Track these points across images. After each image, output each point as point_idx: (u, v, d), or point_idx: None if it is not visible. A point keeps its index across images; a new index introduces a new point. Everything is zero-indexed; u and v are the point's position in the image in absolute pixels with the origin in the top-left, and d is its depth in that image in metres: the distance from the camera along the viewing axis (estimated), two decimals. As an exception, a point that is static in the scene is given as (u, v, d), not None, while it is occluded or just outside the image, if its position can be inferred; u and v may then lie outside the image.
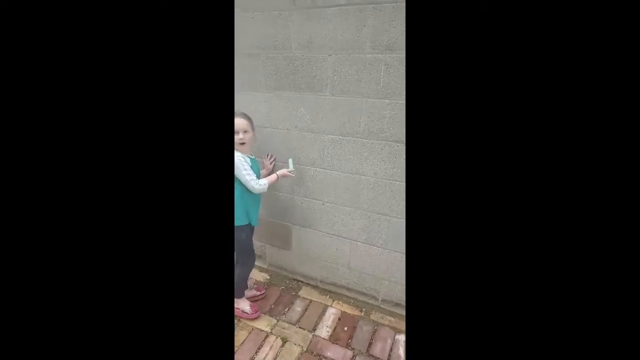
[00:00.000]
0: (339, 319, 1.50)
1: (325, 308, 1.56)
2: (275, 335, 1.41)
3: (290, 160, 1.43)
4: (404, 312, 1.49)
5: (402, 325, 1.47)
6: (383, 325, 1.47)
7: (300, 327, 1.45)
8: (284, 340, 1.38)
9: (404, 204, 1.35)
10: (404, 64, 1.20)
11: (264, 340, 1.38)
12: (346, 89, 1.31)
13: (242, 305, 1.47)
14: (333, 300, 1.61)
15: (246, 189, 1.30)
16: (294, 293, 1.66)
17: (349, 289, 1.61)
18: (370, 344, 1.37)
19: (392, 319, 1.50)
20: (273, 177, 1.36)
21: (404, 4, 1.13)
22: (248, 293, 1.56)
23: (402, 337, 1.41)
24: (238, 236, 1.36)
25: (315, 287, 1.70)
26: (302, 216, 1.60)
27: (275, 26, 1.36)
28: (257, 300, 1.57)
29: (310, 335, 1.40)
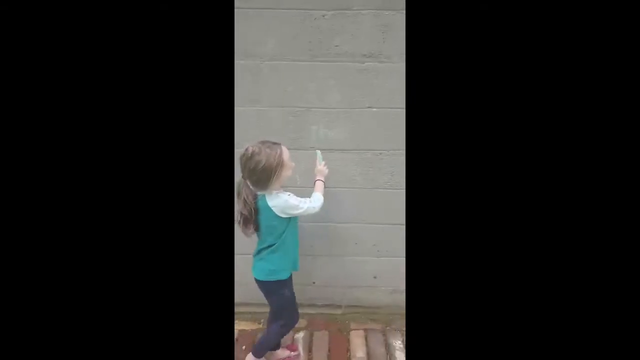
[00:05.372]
0: (236, 339, 1.44)
1: (224, 332, 1.49)
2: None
3: (318, 153, 1.17)
4: (303, 310, 1.51)
5: (301, 323, 1.49)
6: (283, 329, 1.46)
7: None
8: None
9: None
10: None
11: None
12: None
13: None
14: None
15: (295, 233, 1.07)
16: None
17: (246, 304, 1.57)
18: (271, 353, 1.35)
19: (292, 319, 1.51)
20: (320, 185, 1.11)
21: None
22: (281, 354, 1.28)
23: (300, 335, 1.42)
24: (280, 293, 1.08)
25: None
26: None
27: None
28: None
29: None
